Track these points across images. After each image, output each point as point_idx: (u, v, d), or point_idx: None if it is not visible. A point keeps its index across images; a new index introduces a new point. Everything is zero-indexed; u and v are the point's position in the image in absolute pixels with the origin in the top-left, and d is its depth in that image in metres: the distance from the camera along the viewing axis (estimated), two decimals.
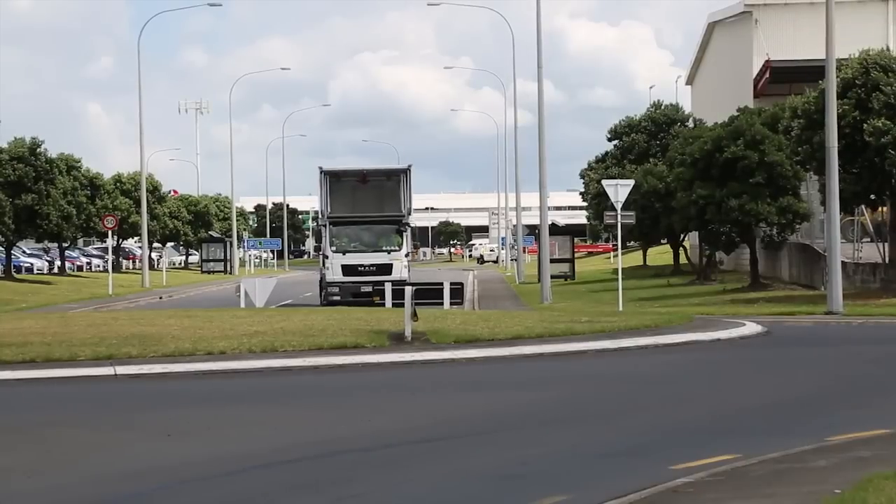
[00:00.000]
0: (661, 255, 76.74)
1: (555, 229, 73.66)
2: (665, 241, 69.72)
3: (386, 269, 46.98)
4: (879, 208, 46.15)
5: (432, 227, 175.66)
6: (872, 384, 19.92)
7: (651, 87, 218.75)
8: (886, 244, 43.96)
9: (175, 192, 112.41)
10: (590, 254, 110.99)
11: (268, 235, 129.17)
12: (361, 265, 47.11)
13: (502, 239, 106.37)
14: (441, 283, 42.62)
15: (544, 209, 49.12)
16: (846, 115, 39.03)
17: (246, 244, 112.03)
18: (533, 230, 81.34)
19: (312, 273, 59.30)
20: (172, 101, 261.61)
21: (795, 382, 20.35)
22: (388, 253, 47.58)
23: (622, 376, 21.68)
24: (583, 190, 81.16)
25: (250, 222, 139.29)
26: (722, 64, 75.84)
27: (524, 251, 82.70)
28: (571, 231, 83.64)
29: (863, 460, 12.71)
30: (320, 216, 49.17)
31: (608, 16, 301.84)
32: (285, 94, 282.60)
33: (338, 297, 46.56)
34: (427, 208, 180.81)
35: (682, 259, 67.50)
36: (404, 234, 48.11)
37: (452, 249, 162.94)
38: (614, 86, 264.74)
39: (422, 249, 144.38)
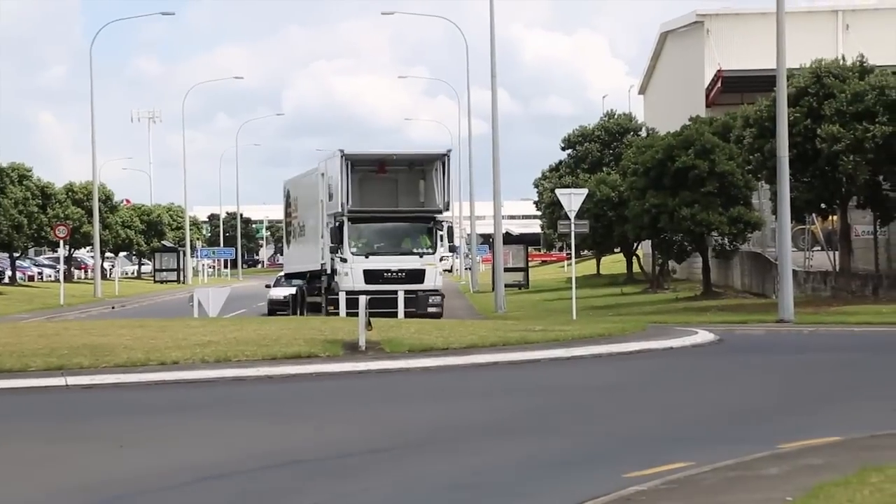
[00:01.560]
0: (614, 263, 76.96)
1: (509, 238, 73.92)
2: (618, 249, 70.03)
3: (417, 275, 40.32)
4: (830, 217, 46.50)
5: None
6: (823, 392, 20.05)
7: (604, 97, 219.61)
8: (836, 252, 44.31)
9: (128, 201, 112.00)
10: (544, 262, 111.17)
11: (221, 245, 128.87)
12: (388, 270, 40.23)
13: (456, 248, 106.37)
14: (395, 292, 42.10)
15: (498, 218, 49.27)
16: (798, 124, 39.38)
17: (199, 254, 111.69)
18: (487, 239, 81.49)
19: (268, 282, 58.31)
20: (126, 109, 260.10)
21: (747, 390, 20.46)
22: (420, 256, 40.46)
23: (576, 385, 21.73)
24: (537, 199, 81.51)
25: (204, 232, 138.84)
26: (674, 73, 76.21)
27: (478, 260, 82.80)
28: (525, 240, 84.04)
29: (814, 468, 12.76)
30: (336, 210, 40.67)
31: (563, 25, 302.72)
32: (240, 103, 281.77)
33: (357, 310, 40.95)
34: None
35: (636, 268, 67.78)
36: (440, 233, 41.07)
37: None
38: (569, 95, 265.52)
39: None
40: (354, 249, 40.15)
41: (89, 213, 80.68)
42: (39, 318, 48.37)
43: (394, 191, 42.65)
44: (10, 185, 73.26)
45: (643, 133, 72.54)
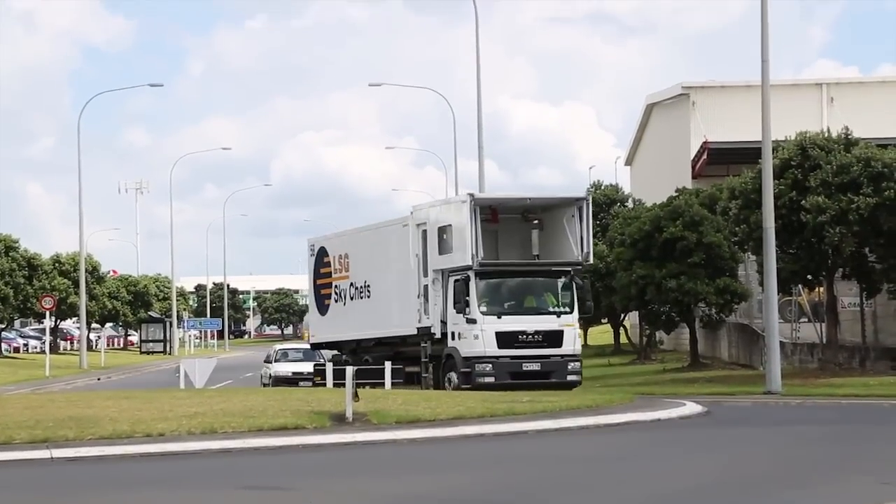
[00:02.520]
0: (602, 334, 76.87)
1: None
2: (606, 320, 69.95)
3: (555, 338, 35.81)
4: (816, 288, 46.56)
5: None
6: (810, 465, 19.96)
7: (591, 168, 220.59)
8: (823, 324, 44.31)
9: (115, 272, 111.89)
10: None
11: (208, 315, 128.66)
12: (523, 333, 35.62)
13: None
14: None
15: None
16: (783, 195, 39.54)
17: (186, 324, 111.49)
18: None
19: (255, 353, 57.93)
20: (113, 180, 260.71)
21: (735, 463, 20.35)
22: (558, 316, 36.01)
23: (563, 457, 21.62)
24: None
25: (190, 302, 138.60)
26: (660, 145, 76.53)
27: None
28: None
29: None
30: (456, 264, 36.24)
31: (550, 97, 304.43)
32: (227, 174, 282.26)
33: (491, 380, 35.06)
34: None
35: (623, 338, 67.69)
36: (579, 288, 36.43)
37: None
38: (557, 165, 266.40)
39: None
40: (484, 308, 35.50)
41: (76, 283, 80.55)
42: (25, 389, 48.14)
43: (542, 236, 37.74)
44: None
45: (630, 204, 72.67)
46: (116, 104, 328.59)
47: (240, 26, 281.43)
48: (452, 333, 36.44)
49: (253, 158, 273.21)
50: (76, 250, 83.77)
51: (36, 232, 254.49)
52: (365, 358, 41.52)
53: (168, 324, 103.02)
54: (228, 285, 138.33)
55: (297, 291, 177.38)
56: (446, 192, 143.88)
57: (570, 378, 36.01)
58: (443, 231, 37.05)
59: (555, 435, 24.73)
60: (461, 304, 35.84)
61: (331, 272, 44.87)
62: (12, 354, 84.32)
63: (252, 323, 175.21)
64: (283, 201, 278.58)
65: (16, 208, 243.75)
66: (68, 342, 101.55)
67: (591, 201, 37.48)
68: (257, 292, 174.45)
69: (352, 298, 43.27)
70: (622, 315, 64.32)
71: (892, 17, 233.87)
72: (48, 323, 72.16)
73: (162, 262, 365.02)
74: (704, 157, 63.74)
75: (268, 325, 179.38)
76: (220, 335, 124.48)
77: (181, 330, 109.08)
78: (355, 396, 25.94)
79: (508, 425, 25.46)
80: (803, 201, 39.71)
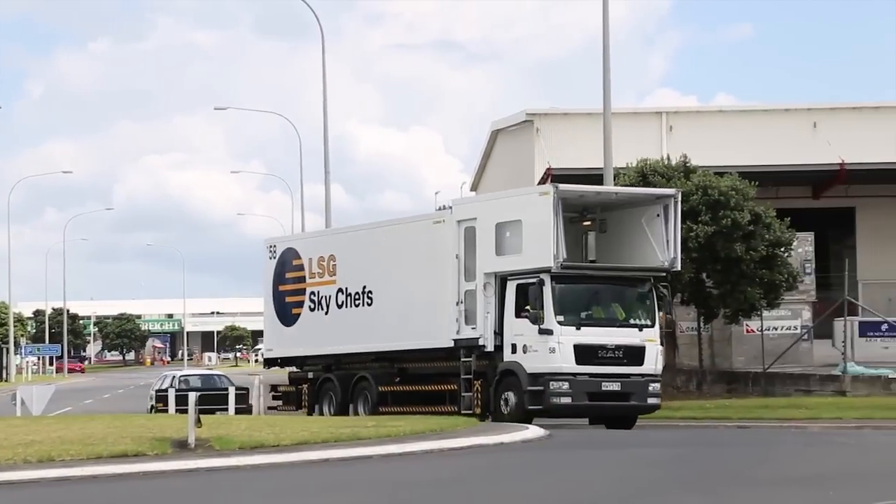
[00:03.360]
0: None
1: None
2: None
3: (636, 354, 31.63)
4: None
5: (218, 332, 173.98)
6: (651, 486, 20.23)
7: (437, 193, 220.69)
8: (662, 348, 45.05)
9: None
10: None
11: (47, 341, 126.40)
12: (604, 347, 31.26)
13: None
14: (226, 389, 39.80)
15: None
16: None
17: (24, 350, 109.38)
18: None
19: (95, 379, 56.88)
20: None
21: (576, 485, 20.52)
22: (640, 330, 31.84)
23: (405, 482, 21.60)
24: None
25: (29, 328, 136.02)
26: (505, 170, 77.12)
27: None
28: None
29: None
30: (528, 266, 31.99)
31: (397, 122, 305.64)
32: (69, 198, 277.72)
33: (568, 400, 31.19)
34: (212, 312, 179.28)
35: None
36: (660, 299, 32.46)
37: (238, 354, 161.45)
38: (404, 190, 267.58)
39: (206, 355, 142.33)
40: (561, 318, 30.96)
41: None
42: None
43: (624, 238, 33.32)
44: None
45: None
46: None
47: (83, 49, 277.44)
48: (513, 346, 32.07)
49: (95, 182, 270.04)
50: None
51: None
52: (361, 375, 37.70)
53: (5, 350, 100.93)
54: (68, 310, 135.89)
55: (139, 317, 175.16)
56: (292, 215, 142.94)
57: (650, 401, 32.05)
58: (504, 228, 32.68)
59: (399, 459, 24.70)
60: (534, 313, 31.28)
61: (303, 276, 40.26)
62: None
63: (93, 348, 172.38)
64: (125, 225, 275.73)
65: None
66: None
67: (678, 200, 32.33)
68: (98, 317, 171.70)
69: (339, 307, 38.64)
70: None
71: (730, 48, 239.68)
72: None
73: None
74: (548, 182, 64.38)
75: (109, 351, 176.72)
76: (58, 359, 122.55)
77: (18, 356, 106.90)
78: (198, 422, 25.67)
79: (353, 450, 25.38)
80: None
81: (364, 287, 37.49)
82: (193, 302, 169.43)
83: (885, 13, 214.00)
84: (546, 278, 30.87)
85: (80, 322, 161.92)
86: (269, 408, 42.23)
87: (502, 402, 32.62)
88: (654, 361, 31.41)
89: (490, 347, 32.97)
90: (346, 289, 38.04)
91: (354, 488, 20.90)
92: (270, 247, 42.64)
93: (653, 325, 31.58)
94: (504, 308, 32.53)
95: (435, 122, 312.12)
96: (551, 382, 29.87)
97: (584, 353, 30.67)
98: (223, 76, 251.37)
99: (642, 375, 31.09)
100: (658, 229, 31.90)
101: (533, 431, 29.56)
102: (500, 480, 21.82)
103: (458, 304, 33.81)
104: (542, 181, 65.67)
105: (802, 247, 42.91)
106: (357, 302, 37.68)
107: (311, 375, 39.93)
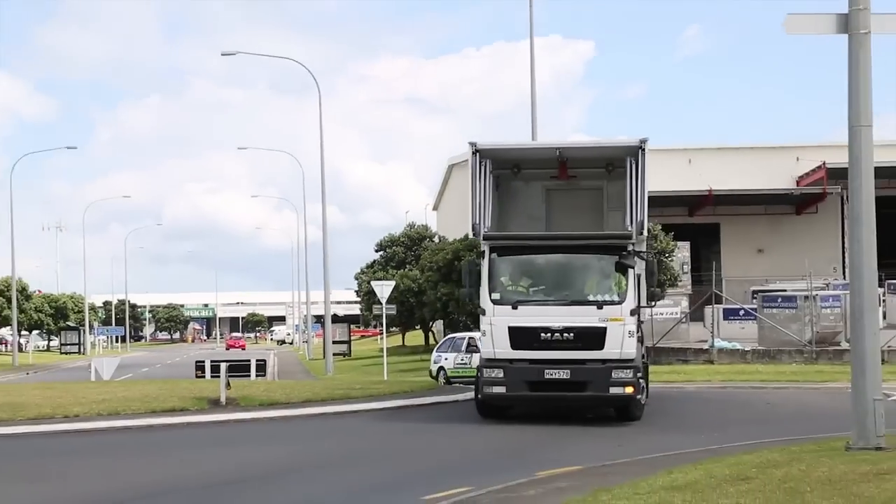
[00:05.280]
0: (416, 337, 77.05)
1: (336, 318, 73.28)
2: (419, 326, 70.15)
3: (593, 337, 19.81)
4: None
5: (242, 318, 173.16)
6: (579, 432, 20.12)
7: (407, 212, 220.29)
8: None
9: (39, 291, 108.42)
10: (362, 337, 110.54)
11: (113, 325, 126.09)
12: (547, 329, 19.89)
13: (296, 326, 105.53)
14: (249, 360, 39.88)
15: (328, 303, 49.02)
16: None
17: (96, 331, 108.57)
18: (319, 319, 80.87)
19: (150, 353, 56.30)
20: (38, 221, 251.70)
21: (516, 432, 20.52)
22: (600, 307, 19.87)
23: (387, 430, 21.63)
24: (357, 288, 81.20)
25: (99, 314, 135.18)
26: (459, 195, 77.15)
27: (313, 335, 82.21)
28: (348, 319, 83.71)
29: (561, 489, 12.90)
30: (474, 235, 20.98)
31: (378, 158, 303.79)
32: (129, 216, 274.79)
33: (501, 390, 20.33)
34: (238, 303, 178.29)
35: (432, 340, 67.95)
36: (631, 271, 20.03)
37: (258, 334, 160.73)
38: (383, 209, 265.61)
39: (232, 334, 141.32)
40: (497, 295, 20.33)
41: (9, 301, 77.77)
42: None
43: (579, 200, 22.19)
44: None
45: (437, 239, 73.12)
46: (40, 162, 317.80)
47: (139, 103, 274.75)
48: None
49: (148, 204, 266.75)
50: (8, 275, 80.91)
51: None
52: None
53: (82, 331, 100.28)
54: (129, 301, 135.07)
55: (182, 305, 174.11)
56: (298, 230, 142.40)
57: (614, 391, 19.98)
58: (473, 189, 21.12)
59: (381, 413, 24.69)
60: (467, 291, 21.47)
61: None
62: None
63: (147, 330, 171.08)
64: (171, 236, 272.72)
65: None
66: (3, 346, 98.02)
67: (645, 150, 20.06)
68: (152, 306, 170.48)
69: None
70: (431, 323, 64.59)
71: (627, 103, 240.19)
72: None
73: (77, 283, 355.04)
74: None
75: (160, 332, 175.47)
76: (123, 339, 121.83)
77: (92, 335, 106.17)
78: (228, 386, 25.66)
79: (345, 406, 25.38)
80: None
81: None
82: (223, 294, 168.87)
83: (741, 78, 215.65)
84: (485, 249, 20.58)
85: (138, 310, 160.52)
86: None
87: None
88: (618, 345, 19.75)
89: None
90: None
91: (346, 436, 20.91)
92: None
93: (620, 302, 19.87)
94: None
95: (407, 158, 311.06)
96: (484, 370, 20.11)
97: (522, 336, 19.93)
98: (245, 123, 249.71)
99: (603, 361, 19.77)
100: (631, 185, 20.14)
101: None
102: (453, 429, 21.83)
103: None
104: None
105: (681, 253, 42.95)
106: None
107: None
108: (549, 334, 19.86)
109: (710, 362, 37.86)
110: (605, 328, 19.75)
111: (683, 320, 41.76)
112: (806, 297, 38.19)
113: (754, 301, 41.40)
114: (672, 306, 41.64)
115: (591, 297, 20.05)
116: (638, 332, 20.49)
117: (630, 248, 19.95)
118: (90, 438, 20.66)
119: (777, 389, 29.75)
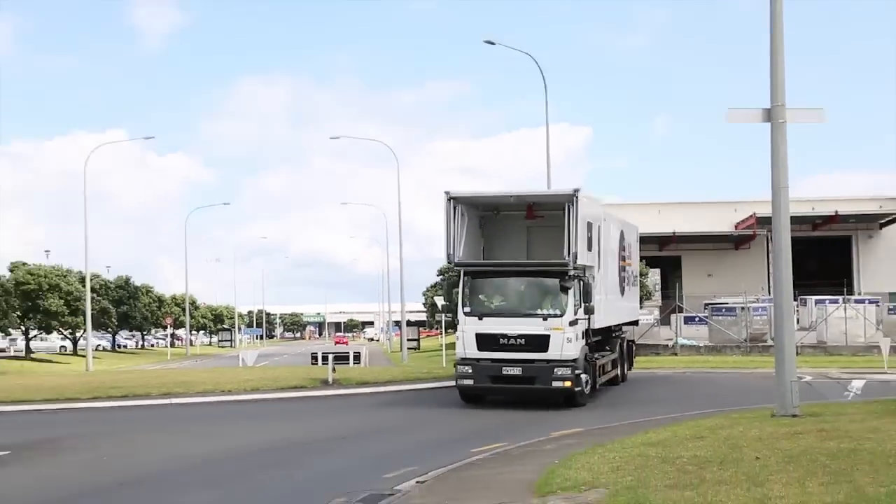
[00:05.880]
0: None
1: (409, 323, 73.06)
2: None
3: (539, 342, 18.85)
4: None
5: (343, 322, 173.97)
6: (577, 409, 19.77)
7: None
8: None
9: (204, 303, 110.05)
10: (427, 336, 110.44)
11: (254, 327, 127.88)
12: (504, 336, 19.06)
13: (381, 328, 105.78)
14: (348, 352, 39.53)
15: (403, 312, 49.23)
16: None
17: (242, 331, 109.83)
18: (397, 323, 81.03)
19: (279, 348, 56.43)
20: (203, 255, 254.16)
21: (536, 407, 19.94)
22: (545, 319, 18.90)
23: (441, 401, 21.40)
24: (423, 301, 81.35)
25: (245, 319, 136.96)
26: None
27: (393, 335, 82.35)
28: (418, 323, 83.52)
29: (570, 445, 12.86)
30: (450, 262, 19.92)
31: (439, 209, 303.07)
32: (265, 252, 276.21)
33: (470, 382, 19.22)
34: (340, 312, 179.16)
35: None
36: (571, 290, 18.96)
37: (354, 334, 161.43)
38: (442, 247, 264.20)
39: (337, 334, 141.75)
40: (467, 309, 19.42)
41: (184, 310, 78.91)
42: (156, 367, 46.83)
43: (533, 236, 21.32)
44: (142, 296, 71.56)
45: None
46: (205, 215, 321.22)
47: (274, 171, 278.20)
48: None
49: (279, 243, 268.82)
50: (184, 292, 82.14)
51: (161, 282, 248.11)
52: None
53: (233, 331, 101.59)
54: (265, 311, 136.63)
55: (301, 314, 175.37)
56: (383, 262, 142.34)
57: (555, 385, 18.97)
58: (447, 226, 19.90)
59: (442, 390, 23.59)
60: (447, 305, 19.81)
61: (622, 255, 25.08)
62: (147, 348, 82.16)
63: (277, 331, 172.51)
64: (295, 265, 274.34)
65: (153, 269, 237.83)
66: (179, 341, 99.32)
67: (578, 198, 18.77)
68: (281, 314, 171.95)
69: (617, 285, 24.63)
70: None
71: (615, 171, 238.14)
72: (169, 331, 70.72)
73: (229, 298, 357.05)
74: None
75: (286, 332, 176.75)
76: (261, 337, 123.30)
77: (239, 334, 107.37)
78: (333, 369, 25.76)
79: (417, 385, 25.01)
80: None
81: (614, 269, 23.74)
82: (331, 306, 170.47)
83: (698, 150, 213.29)
84: (462, 274, 19.75)
85: (271, 316, 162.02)
86: None
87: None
88: (559, 348, 18.71)
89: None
90: (604, 267, 22.49)
91: (417, 405, 20.63)
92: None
93: (561, 315, 18.77)
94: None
95: None
96: (458, 366, 19.30)
97: (485, 341, 19.05)
98: (346, 186, 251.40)
99: (547, 361, 18.72)
100: (569, 225, 18.91)
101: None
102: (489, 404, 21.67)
103: (630, 286, 25.01)
104: None
105: (654, 277, 42.53)
106: (605, 279, 22.63)
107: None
108: (506, 339, 18.96)
109: (675, 354, 37.43)
110: (548, 335, 18.73)
111: (656, 324, 41.33)
112: (742, 308, 37.77)
113: (706, 311, 40.90)
114: (648, 315, 41.22)
115: (538, 311, 18.98)
116: (584, 337, 19.28)
117: (571, 272, 18.74)
118: (239, 406, 20.85)
119: (722, 374, 29.29)
